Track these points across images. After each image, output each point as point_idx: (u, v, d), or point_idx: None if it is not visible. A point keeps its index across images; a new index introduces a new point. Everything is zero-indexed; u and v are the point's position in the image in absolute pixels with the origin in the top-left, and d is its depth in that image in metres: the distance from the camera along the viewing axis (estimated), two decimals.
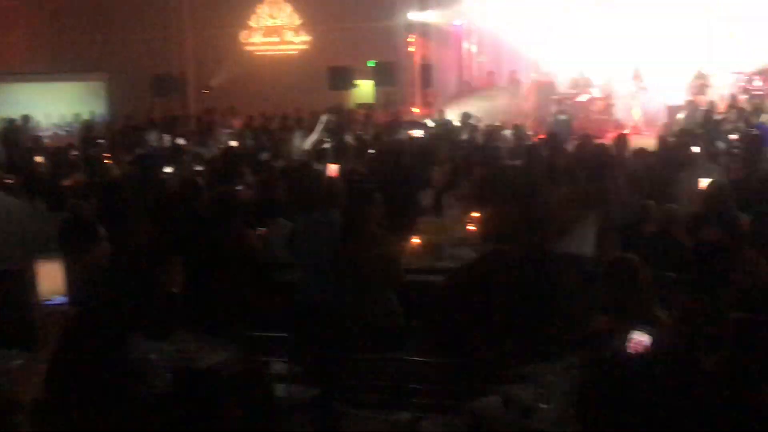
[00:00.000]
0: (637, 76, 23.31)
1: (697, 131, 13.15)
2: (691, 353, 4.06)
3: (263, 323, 6.12)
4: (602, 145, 11.53)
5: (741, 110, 17.62)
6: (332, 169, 10.60)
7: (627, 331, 4.16)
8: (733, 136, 13.14)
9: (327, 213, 7.00)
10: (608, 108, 24.01)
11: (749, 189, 8.27)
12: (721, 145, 12.74)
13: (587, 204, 7.41)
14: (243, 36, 29.34)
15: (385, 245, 6.64)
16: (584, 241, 7.20)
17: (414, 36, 25.19)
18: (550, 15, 25.92)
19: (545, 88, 24.49)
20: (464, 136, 16.38)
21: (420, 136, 16.13)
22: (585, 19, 25.66)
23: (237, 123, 22.10)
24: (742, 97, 21.63)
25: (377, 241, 6.62)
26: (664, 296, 4.89)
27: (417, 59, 25.06)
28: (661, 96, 23.71)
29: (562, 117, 21.80)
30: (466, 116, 19.76)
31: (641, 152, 10.60)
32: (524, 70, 25.87)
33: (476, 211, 7.91)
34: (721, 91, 23.16)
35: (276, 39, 29.40)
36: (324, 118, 17.64)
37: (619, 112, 24.50)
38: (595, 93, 24.18)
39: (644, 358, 4.04)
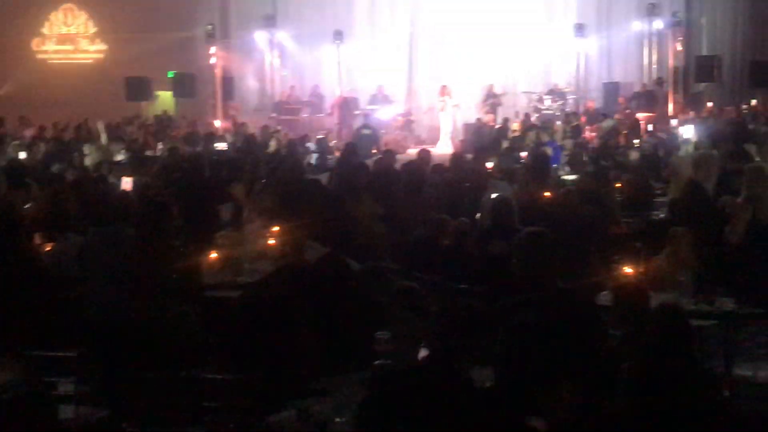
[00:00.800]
0: (444, 92, 23.67)
1: (489, 149, 13.67)
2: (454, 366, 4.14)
3: (51, 341, 5.88)
4: (392, 162, 11.71)
5: (534, 128, 18.46)
6: (126, 182, 10.34)
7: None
8: (524, 154, 13.76)
9: (119, 227, 6.82)
10: (409, 124, 24.72)
11: (535, 206, 8.64)
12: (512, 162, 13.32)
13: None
14: (35, 44, 28.18)
15: (182, 259, 6.52)
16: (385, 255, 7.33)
17: (215, 47, 24.89)
18: (354, 31, 26.41)
19: (348, 104, 24.85)
20: (269, 150, 16.29)
21: (222, 148, 15.97)
22: (390, 36, 26.36)
23: (29, 133, 21.04)
24: (534, 116, 22.77)
25: (174, 256, 6.50)
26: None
27: (218, 71, 24.76)
28: (469, 112, 24.66)
29: (366, 131, 22.09)
30: (266, 129, 19.75)
31: (438, 168, 10.92)
32: (327, 85, 26.23)
33: (276, 225, 7.85)
34: (513, 110, 24.40)
35: (70, 47, 28.38)
36: (101, 126, 17.24)
37: (423, 129, 25.31)
38: (397, 109, 24.83)
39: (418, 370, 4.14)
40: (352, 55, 26.33)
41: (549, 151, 13.91)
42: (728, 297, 6.85)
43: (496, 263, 6.52)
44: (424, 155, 11.72)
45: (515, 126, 21.25)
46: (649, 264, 7.15)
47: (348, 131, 23.94)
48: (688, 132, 17.45)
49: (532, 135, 16.83)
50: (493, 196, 8.31)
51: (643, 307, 5.14)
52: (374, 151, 18.10)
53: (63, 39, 28.29)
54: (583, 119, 22.01)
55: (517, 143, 15.40)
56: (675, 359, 4.37)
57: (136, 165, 12.09)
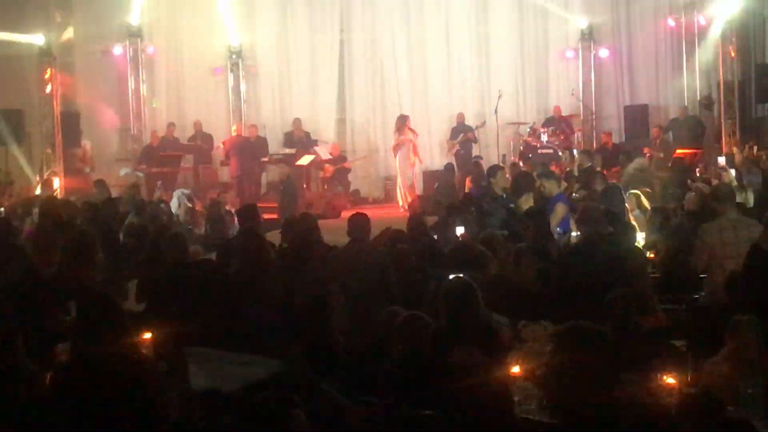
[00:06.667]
0: (405, 127, 23.38)
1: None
2: None
3: None
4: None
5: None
6: None
7: None
8: None
9: None
10: (341, 174, 24.81)
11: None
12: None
13: None
14: None
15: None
16: None
17: (51, 70, 24.65)
18: (256, 43, 26.62)
19: (252, 146, 24.92)
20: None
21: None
22: (312, 50, 26.68)
23: None
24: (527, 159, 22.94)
25: None
26: None
27: (56, 105, 24.54)
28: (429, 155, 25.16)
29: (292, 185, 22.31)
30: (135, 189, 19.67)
31: (390, 237, 10.97)
32: (218, 121, 26.49)
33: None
34: (495, 149, 24.67)
35: None
36: None
37: (363, 181, 25.85)
38: (323, 154, 24.80)
39: None
40: (254, 78, 26.67)
41: (561, 210, 13.81)
42: None
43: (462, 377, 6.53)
44: (356, 223, 11.67)
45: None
46: (701, 371, 7.20)
47: (252, 186, 24.18)
48: (749, 176, 17.72)
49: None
50: (451, 277, 8.33)
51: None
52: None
53: None
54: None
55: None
56: None
57: None
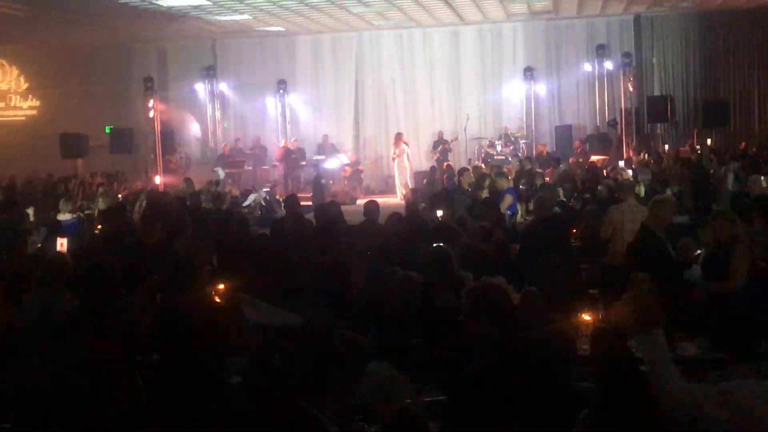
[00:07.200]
0: (401, 140, 24.03)
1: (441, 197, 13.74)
2: None
3: None
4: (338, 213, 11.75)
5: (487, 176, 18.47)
6: (61, 243, 10.27)
7: None
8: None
9: (54, 292, 6.68)
10: (357, 174, 25.04)
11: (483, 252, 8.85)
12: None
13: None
14: None
15: (124, 327, 6.39)
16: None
17: (153, 100, 24.78)
18: (297, 80, 26.64)
19: (294, 154, 25.05)
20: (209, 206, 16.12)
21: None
22: (335, 85, 26.64)
23: None
24: (486, 163, 22.95)
25: (115, 322, 6.36)
26: None
27: (157, 124, 24.69)
28: (417, 159, 25.08)
29: (324, 181, 22.37)
30: (212, 184, 19.69)
31: (394, 218, 10.95)
32: (270, 136, 26.41)
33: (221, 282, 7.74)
34: (465, 156, 24.72)
35: (1, 104, 28.14)
36: None
37: (371, 179, 25.74)
38: (343, 159, 25.06)
39: None
40: (295, 104, 26.72)
41: (509, 199, 13.99)
42: (690, 342, 6.93)
43: (444, 316, 6.50)
44: (370, 207, 11.68)
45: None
46: (609, 311, 7.12)
47: (294, 182, 24.16)
48: (642, 174, 17.69)
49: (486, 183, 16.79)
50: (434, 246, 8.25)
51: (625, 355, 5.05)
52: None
53: None
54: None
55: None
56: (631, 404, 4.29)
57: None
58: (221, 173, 23.85)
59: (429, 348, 6.50)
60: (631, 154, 23.18)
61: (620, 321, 6.02)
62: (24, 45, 26.29)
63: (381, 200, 14.62)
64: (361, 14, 23.07)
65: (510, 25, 25.76)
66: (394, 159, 24.07)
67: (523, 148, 24.75)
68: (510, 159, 23.10)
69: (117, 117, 25.60)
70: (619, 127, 24.56)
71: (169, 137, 25.16)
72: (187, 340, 6.18)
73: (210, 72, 26.85)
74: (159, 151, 24.46)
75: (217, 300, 7.06)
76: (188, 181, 19.04)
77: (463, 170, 17.42)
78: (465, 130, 24.79)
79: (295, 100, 26.76)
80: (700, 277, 8.27)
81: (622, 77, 24.66)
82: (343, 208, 13.22)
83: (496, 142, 24.53)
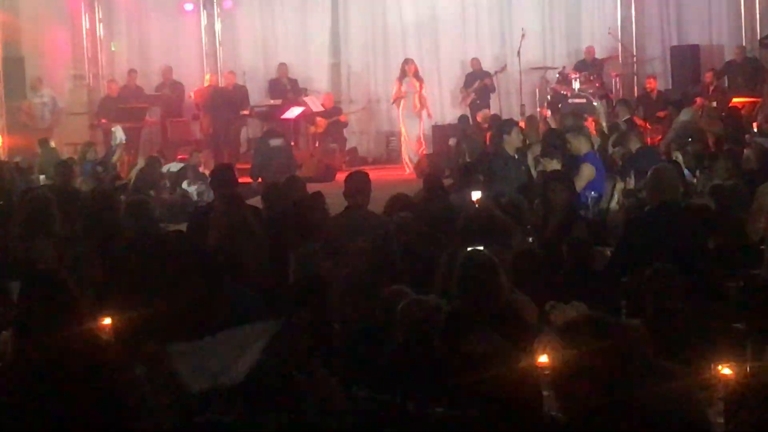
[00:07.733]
0: (410, 73, 17.13)
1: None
2: None
3: None
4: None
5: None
6: None
7: None
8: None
9: None
10: (336, 129, 18.45)
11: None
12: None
13: None
14: None
15: None
16: None
17: None
18: None
19: (229, 97, 18.29)
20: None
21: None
22: None
23: None
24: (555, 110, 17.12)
25: None
26: None
27: None
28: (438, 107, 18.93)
29: (275, 142, 16.71)
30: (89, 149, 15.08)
31: (396, 203, 8.14)
32: (189, 66, 19.52)
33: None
34: (517, 98, 18.53)
35: None
36: None
37: (360, 137, 19.58)
38: (314, 105, 18.31)
39: None
40: (232, 15, 19.47)
41: (589, 170, 9.95)
42: None
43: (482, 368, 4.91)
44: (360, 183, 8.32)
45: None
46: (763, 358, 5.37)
47: (230, 145, 17.97)
48: None
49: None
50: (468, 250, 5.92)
51: None
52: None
53: None
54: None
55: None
56: None
57: None
58: (120, 134, 16.54)
59: (456, 421, 4.92)
60: None
61: None
62: None
63: (377, 173, 11.93)
64: None
65: None
66: (397, 102, 17.14)
67: (617, 83, 19.13)
68: (595, 103, 17.09)
69: None
70: None
71: (18, 70, 17.41)
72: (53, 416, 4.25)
73: None
74: (0, 93, 17.14)
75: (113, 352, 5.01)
76: (44, 143, 14.51)
77: (509, 124, 12.01)
78: (519, 54, 18.08)
79: (230, 7, 19.28)
80: None
81: None
82: (314, 186, 9.77)
83: (573, 75, 18.12)
